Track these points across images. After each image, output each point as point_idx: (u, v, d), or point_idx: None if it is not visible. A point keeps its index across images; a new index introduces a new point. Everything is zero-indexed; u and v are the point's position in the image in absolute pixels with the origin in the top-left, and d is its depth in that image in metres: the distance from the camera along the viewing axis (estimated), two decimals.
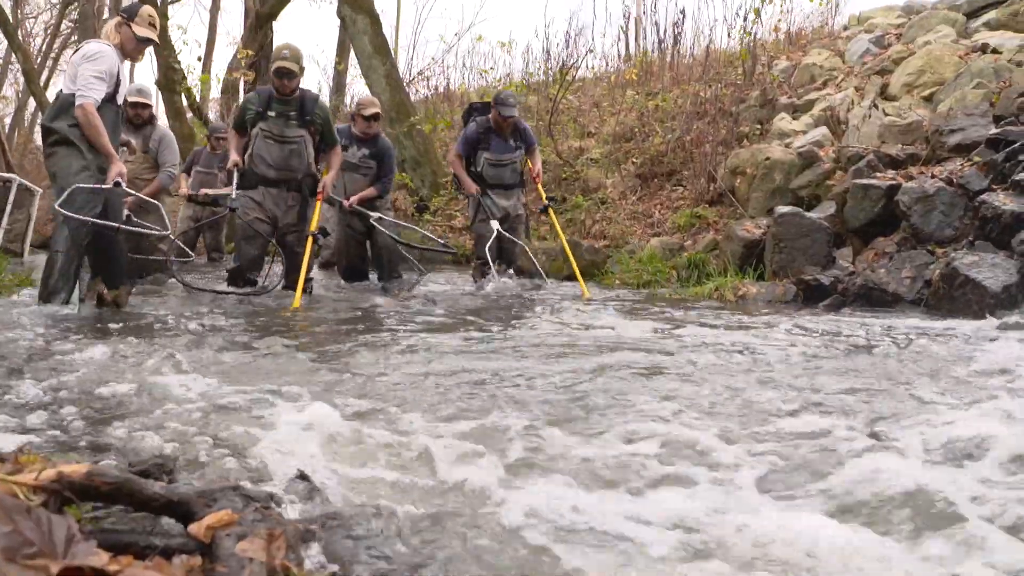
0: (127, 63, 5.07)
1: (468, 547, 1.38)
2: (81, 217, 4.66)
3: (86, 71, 4.69)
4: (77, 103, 4.67)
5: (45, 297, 4.74)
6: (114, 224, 4.95)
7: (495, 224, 7.25)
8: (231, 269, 6.13)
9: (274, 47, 5.82)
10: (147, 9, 5.03)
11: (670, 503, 1.64)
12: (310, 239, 5.90)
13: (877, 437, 2.11)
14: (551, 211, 7.77)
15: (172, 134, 7.35)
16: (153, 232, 5.74)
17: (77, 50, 4.95)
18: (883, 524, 1.55)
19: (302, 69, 5.90)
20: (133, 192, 5.41)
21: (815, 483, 1.76)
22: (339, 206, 7.03)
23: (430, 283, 7.39)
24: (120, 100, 4.97)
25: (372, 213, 6.86)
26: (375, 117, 6.94)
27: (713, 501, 1.65)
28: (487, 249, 7.11)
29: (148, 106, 7.04)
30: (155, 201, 6.10)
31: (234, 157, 5.87)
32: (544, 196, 7.82)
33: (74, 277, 4.83)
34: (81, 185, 4.66)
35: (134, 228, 5.42)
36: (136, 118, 6.85)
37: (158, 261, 6.73)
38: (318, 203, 5.97)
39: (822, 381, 2.87)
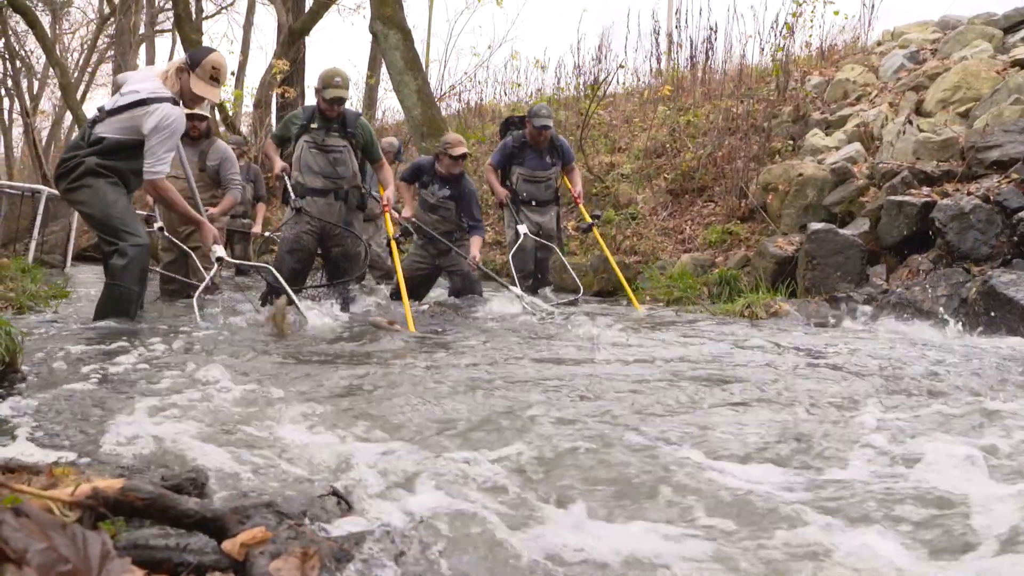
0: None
1: (507, 570, 1.37)
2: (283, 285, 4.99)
3: (159, 146, 4.43)
4: (148, 178, 4.48)
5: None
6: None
7: (524, 228, 7.19)
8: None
9: (324, 71, 5.82)
10: (212, 60, 4.61)
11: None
12: (393, 243, 5.88)
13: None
14: (595, 230, 7.66)
15: (231, 150, 7.11)
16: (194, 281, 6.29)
17: (134, 105, 4.44)
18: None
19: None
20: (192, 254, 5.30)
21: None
22: (425, 236, 6.78)
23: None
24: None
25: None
26: (464, 157, 6.66)
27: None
28: (513, 258, 7.01)
29: (205, 118, 6.82)
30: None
31: (281, 163, 5.88)
32: (588, 215, 7.66)
33: (137, 304, 4.60)
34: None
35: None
36: (192, 130, 6.56)
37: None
38: (387, 215, 6.02)
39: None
